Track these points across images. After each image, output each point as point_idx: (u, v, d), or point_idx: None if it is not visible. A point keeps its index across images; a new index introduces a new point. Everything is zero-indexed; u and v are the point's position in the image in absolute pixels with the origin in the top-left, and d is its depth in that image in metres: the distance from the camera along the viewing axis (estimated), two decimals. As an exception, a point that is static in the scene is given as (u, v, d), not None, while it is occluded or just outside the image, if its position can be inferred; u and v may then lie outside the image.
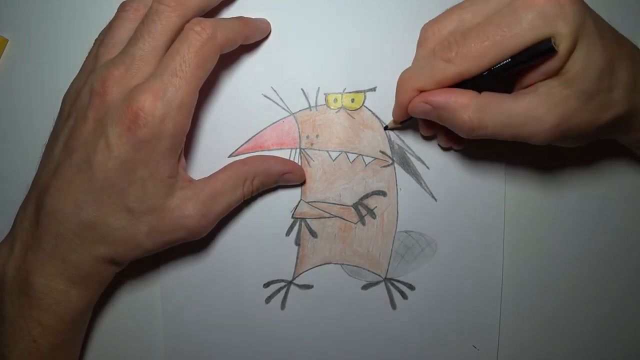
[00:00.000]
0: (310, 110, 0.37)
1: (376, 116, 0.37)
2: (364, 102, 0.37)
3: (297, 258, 0.38)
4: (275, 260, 0.38)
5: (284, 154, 0.37)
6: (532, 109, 0.29)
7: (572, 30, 0.28)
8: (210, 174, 0.35)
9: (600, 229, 0.38)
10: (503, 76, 0.30)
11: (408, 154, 0.37)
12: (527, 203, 0.38)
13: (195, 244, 0.37)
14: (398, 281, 0.38)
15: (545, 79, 0.30)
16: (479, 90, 0.31)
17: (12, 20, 0.38)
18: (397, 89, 0.33)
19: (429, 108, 0.31)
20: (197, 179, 0.34)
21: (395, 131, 0.37)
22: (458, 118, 0.31)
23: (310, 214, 0.38)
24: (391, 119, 0.36)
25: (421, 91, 0.32)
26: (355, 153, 0.37)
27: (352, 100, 0.37)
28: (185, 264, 0.38)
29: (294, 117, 0.37)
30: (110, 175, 0.30)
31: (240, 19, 0.35)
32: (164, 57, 0.31)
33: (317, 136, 0.37)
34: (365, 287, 0.38)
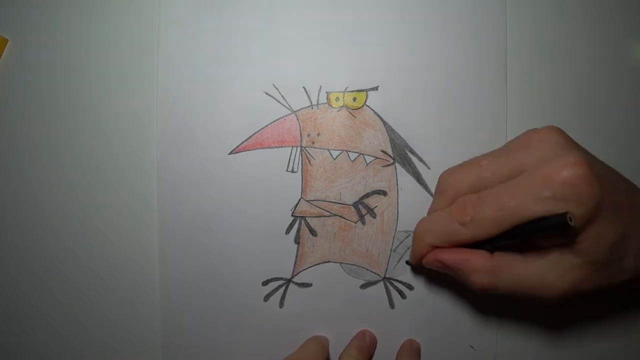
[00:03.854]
0: (312, 108, 0.37)
1: (378, 115, 0.37)
2: (365, 101, 0.37)
3: (297, 256, 0.38)
4: (275, 258, 0.38)
5: (285, 151, 0.37)
6: (542, 275, 0.30)
7: (586, 213, 0.28)
8: (212, 171, 0.34)
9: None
10: (515, 241, 0.30)
11: (409, 154, 0.37)
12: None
13: (195, 243, 0.37)
14: (397, 281, 0.38)
15: (557, 245, 0.30)
16: (492, 245, 0.31)
17: (12, 20, 0.38)
18: (413, 240, 0.34)
19: (442, 265, 0.33)
20: None
21: (397, 131, 0.37)
22: (470, 279, 0.32)
23: (310, 212, 0.37)
24: (393, 118, 0.36)
25: (435, 247, 0.33)
26: (356, 152, 0.37)
27: (354, 99, 0.37)
28: (185, 261, 0.38)
29: (296, 115, 0.37)
30: None
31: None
32: None
33: (318, 134, 0.37)
34: (364, 286, 0.38)
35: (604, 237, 0.29)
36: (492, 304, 0.38)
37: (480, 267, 0.31)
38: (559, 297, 0.30)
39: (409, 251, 0.37)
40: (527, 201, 0.28)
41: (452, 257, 0.32)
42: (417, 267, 0.37)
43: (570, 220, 0.27)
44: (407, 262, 0.37)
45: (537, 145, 0.30)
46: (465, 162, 0.33)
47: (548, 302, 0.31)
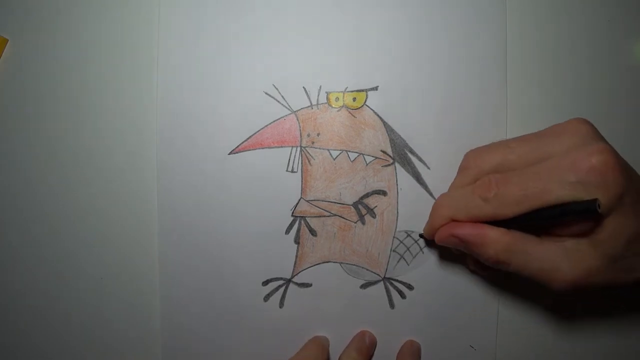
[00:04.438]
0: (312, 108, 0.37)
1: (378, 115, 0.37)
2: (365, 101, 0.37)
3: (296, 256, 0.38)
4: (275, 258, 0.38)
5: (285, 151, 0.37)
6: (556, 260, 0.30)
7: (610, 201, 0.28)
8: (211, 171, 0.34)
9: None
10: (535, 222, 0.30)
11: (409, 154, 0.37)
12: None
13: (194, 243, 0.37)
14: (397, 281, 0.38)
15: (575, 234, 0.30)
16: (508, 226, 0.31)
17: (12, 20, 0.38)
18: (431, 212, 0.34)
19: (456, 241, 0.32)
20: None
21: (396, 131, 0.37)
22: (483, 252, 0.31)
23: (310, 212, 0.37)
24: (393, 118, 0.36)
25: (453, 220, 0.33)
26: (356, 152, 0.37)
27: (354, 99, 0.37)
28: (185, 261, 0.38)
29: (295, 115, 0.37)
30: None
31: None
32: None
33: (318, 134, 0.37)
34: (364, 286, 0.38)
35: (623, 230, 0.29)
36: (493, 304, 0.38)
37: (496, 240, 0.31)
38: (569, 286, 0.30)
39: (408, 251, 0.38)
40: (552, 185, 0.29)
41: (469, 231, 0.32)
42: (417, 268, 0.37)
43: (599, 207, 0.27)
44: (420, 235, 0.37)
45: (567, 133, 0.30)
46: (493, 143, 0.34)
47: (557, 289, 0.30)
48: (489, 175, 0.31)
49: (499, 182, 0.30)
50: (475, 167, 0.33)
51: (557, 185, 0.29)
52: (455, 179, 0.35)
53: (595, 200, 0.28)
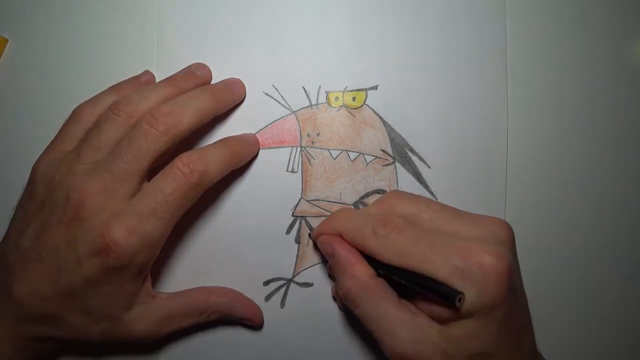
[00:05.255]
0: (312, 108, 0.37)
1: (377, 114, 0.37)
2: (365, 100, 0.37)
3: (297, 256, 0.38)
4: (275, 258, 0.38)
5: (285, 152, 0.37)
6: (398, 327, 0.29)
7: (477, 303, 0.27)
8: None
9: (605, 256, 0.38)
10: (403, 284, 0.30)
11: (409, 153, 0.37)
12: (528, 202, 0.38)
13: (195, 243, 0.37)
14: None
15: (431, 317, 0.29)
16: (384, 276, 0.31)
17: (12, 20, 0.38)
18: (328, 217, 0.34)
19: (330, 252, 0.32)
20: (160, 295, 0.35)
21: (397, 130, 0.37)
22: (342, 281, 0.31)
23: (311, 212, 0.37)
24: (392, 117, 0.37)
25: (340, 234, 0.33)
26: (356, 151, 0.37)
27: (354, 99, 0.37)
28: (184, 261, 0.38)
29: (295, 115, 0.37)
30: (76, 285, 0.31)
31: (227, 146, 0.35)
32: (146, 188, 0.31)
33: (318, 134, 0.37)
34: (365, 286, 0.38)
35: (475, 341, 0.28)
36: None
37: (359, 276, 0.30)
38: (397, 357, 0.29)
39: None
40: (437, 257, 0.28)
41: (345, 251, 0.31)
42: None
43: (459, 301, 0.27)
44: (309, 234, 0.37)
45: (484, 227, 0.30)
46: (419, 195, 0.34)
47: (386, 355, 0.29)
48: (395, 217, 0.31)
49: (397, 227, 0.30)
50: (389, 206, 0.32)
51: (441, 261, 0.28)
52: (370, 204, 0.34)
53: (460, 292, 0.27)
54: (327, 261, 0.38)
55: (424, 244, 0.29)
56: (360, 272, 0.30)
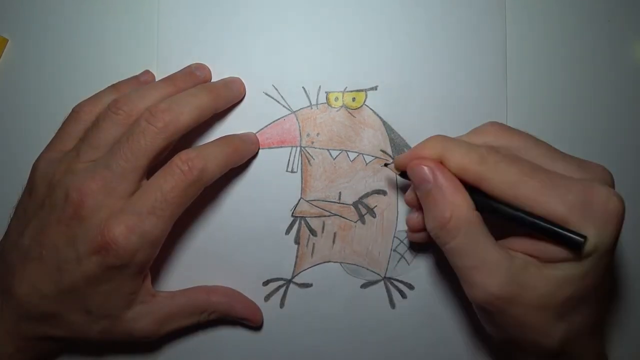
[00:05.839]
0: (311, 108, 0.37)
1: (377, 115, 0.37)
2: (365, 100, 0.37)
3: (297, 256, 0.38)
4: (275, 259, 0.38)
5: (285, 152, 0.37)
6: (498, 264, 0.27)
7: (596, 247, 0.26)
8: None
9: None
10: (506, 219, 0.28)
11: (408, 153, 0.37)
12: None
13: (194, 243, 0.37)
14: (397, 280, 0.38)
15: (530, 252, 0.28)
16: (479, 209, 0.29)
17: (12, 20, 0.38)
18: (425, 141, 0.31)
19: (425, 177, 0.29)
20: (160, 294, 0.35)
21: (396, 130, 0.37)
22: (441, 208, 0.28)
23: (310, 212, 0.38)
24: (392, 118, 0.37)
25: (441, 162, 0.29)
26: (356, 152, 0.37)
27: (353, 99, 0.37)
28: (184, 260, 0.38)
29: (295, 115, 0.37)
30: (76, 284, 0.31)
31: (227, 144, 0.34)
32: (146, 186, 0.31)
33: (317, 134, 0.37)
34: (364, 286, 0.38)
35: (576, 282, 0.27)
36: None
37: (460, 205, 0.28)
38: (489, 297, 0.27)
39: (409, 251, 0.37)
40: (556, 191, 0.27)
41: (449, 179, 0.28)
42: (418, 267, 0.37)
43: (584, 243, 0.26)
44: (391, 161, 0.35)
45: (594, 170, 0.29)
46: (519, 130, 0.31)
47: (473, 297, 0.28)
48: (503, 148, 0.29)
49: (507, 156, 0.28)
50: (493, 136, 0.30)
51: (559, 195, 0.26)
52: (471, 132, 0.32)
53: (583, 236, 0.26)
54: (327, 261, 0.38)
55: (540, 177, 0.27)
56: (463, 201, 0.28)
